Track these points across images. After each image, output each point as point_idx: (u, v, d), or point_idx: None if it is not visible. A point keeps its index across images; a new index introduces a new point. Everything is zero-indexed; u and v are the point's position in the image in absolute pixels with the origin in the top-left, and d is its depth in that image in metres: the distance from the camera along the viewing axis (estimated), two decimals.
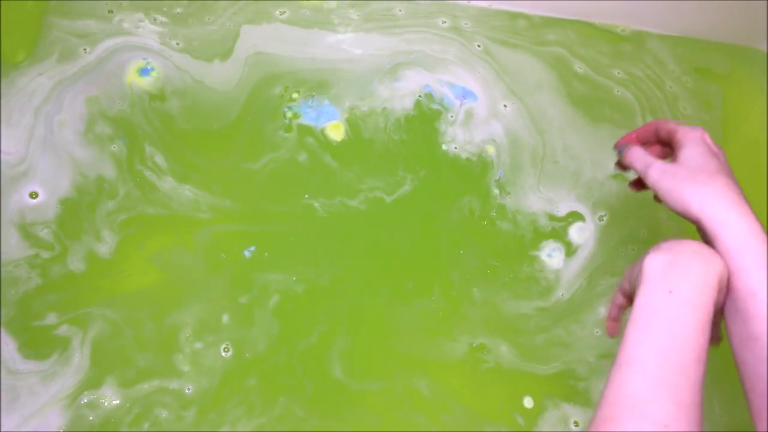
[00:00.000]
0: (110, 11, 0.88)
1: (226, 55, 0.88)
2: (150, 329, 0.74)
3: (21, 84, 0.81)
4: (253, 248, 0.80)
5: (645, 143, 0.68)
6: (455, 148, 0.89)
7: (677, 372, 0.47)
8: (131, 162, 0.81)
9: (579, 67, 0.97)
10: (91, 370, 0.71)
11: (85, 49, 0.85)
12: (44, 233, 0.76)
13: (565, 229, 0.88)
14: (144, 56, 0.86)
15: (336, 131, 0.87)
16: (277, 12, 0.92)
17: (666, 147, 0.67)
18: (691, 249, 0.52)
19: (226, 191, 0.82)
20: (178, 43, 0.87)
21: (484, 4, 0.98)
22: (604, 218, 0.89)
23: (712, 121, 0.97)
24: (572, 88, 0.96)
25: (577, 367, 0.81)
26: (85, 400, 0.70)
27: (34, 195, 0.77)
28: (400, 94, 0.91)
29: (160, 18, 0.88)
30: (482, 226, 0.86)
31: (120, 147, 0.81)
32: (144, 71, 0.85)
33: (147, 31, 0.87)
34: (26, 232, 0.75)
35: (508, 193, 0.87)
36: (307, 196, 0.84)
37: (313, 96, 0.88)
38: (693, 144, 0.59)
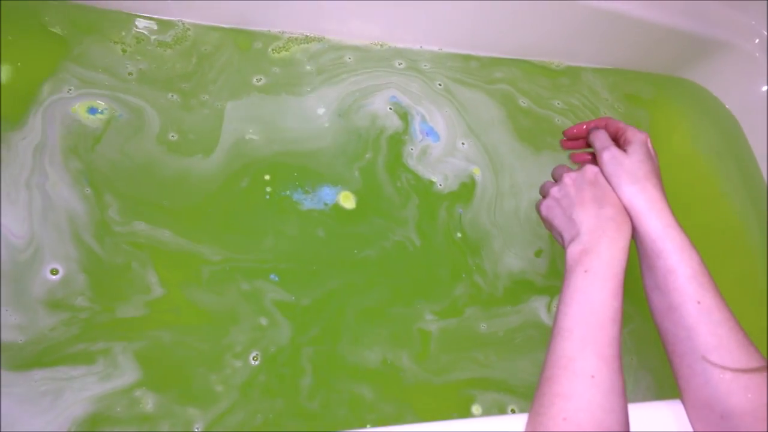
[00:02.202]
0: (130, 74, 0.95)
1: (209, 150, 0.92)
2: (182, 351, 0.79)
3: (13, 152, 0.84)
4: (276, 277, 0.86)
5: (580, 138, 0.79)
6: (440, 185, 0.98)
7: (597, 331, 0.57)
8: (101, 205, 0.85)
9: (523, 102, 1.08)
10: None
11: (69, 90, 0.91)
12: (79, 300, 0.79)
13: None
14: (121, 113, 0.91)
15: (347, 201, 0.94)
16: (255, 80, 0.99)
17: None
18: (598, 235, 0.63)
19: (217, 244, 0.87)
20: (172, 136, 0.92)
21: (435, 48, 1.09)
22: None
23: None
24: (518, 122, 1.05)
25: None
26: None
27: (54, 272, 0.79)
28: (376, 120, 1.00)
29: (174, 96, 0.95)
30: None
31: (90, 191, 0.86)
32: (92, 110, 0.91)
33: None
34: (59, 305, 0.78)
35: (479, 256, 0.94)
36: (356, 251, 0.91)
37: (296, 177, 0.93)
38: (638, 144, 0.69)
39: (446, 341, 0.87)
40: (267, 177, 0.92)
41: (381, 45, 1.07)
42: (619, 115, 1.11)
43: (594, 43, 1.11)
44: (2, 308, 0.76)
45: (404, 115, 1.02)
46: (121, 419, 0.74)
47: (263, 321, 0.83)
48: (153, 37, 0.98)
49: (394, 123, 1.01)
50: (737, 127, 1.17)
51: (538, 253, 0.96)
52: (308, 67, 1.02)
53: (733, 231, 1.08)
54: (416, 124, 1.01)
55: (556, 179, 0.72)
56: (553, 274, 0.95)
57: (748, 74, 1.14)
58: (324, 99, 1.00)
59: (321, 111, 0.99)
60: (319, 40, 1.05)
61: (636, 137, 0.70)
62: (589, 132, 0.75)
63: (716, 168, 1.13)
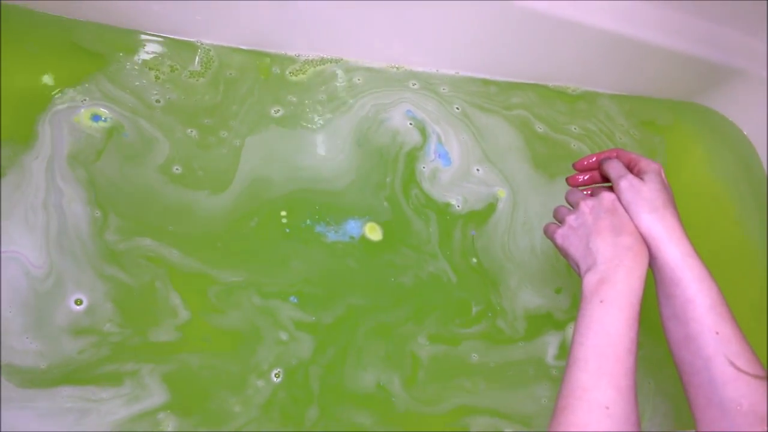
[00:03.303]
0: (158, 101, 0.94)
1: (221, 187, 0.92)
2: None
3: (27, 175, 0.84)
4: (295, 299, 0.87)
5: (591, 170, 0.79)
6: (458, 206, 0.98)
7: (613, 363, 0.57)
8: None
9: (539, 127, 1.07)
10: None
11: (84, 100, 0.91)
12: (108, 327, 0.79)
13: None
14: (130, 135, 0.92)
15: (373, 232, 0.94)
16: (273, 111, 0.99)
17: (603, 179, 0.77)
18: (615, 264, 0.62)
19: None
20: (177, 169, 0.91)
21: (451, 72, 1.10)
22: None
23: None
24: (535, 148, 1.06)
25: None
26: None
27: (79, 302, 0.79)
28: (396, 137, 1.01)
29: (193, 132, 0.94)
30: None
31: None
32: (95, 117, 0.90)
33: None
34: (86, 332, 0.78)
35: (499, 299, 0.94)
36: (392, 278, 0.91)
37: (317, 210, 0.93)
38: (653, 173, 0.69)
39: (437, 368, 0.87)
40: (283, 213, 0.92)
41: (397, 68, 1.08)
42: (635, 141, 1.12)
43: (611, 69, 1.11)
44: (23, 336, 0.76)
45: (423, 130, 1.02)
46: None
47: (284, 337, 0.84)
48: (186, 69, 0.98)
49: (414, 138, 1.02)
50: (753, 153, 1.17)
51: (558, 291, 0.96)
52: (322, 96, 1.02)
53: (748, 257, 1.07)
54: (432, 143, 1.02)
55: (573, 206, 0.72)
56: (574, 309, 0.95)
57: (765, 100, 1.14)
58: (340, 131, 1.00)
59: (338, 145, 0.99)
60: (336, 61, 1.06)
61: (650, 167, 0.70)
62: (601, 162, 0.75)
63: (732, 194, 1.13)
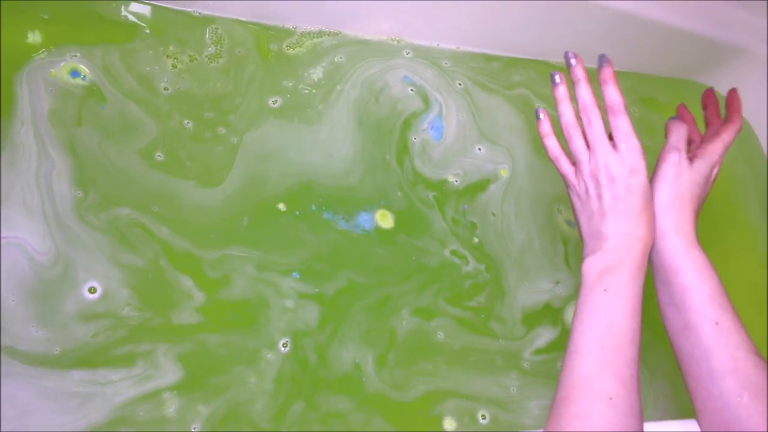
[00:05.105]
0: (165, 89, 0.91)
1: (213, 182, 0.89)
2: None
3: (19, 149, 0.81)
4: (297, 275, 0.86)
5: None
6: (456, 181, 0.98)
7: (615, 353, 0.57)
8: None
9: (539, 106, 1.06)
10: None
11: (75, 56, 0.88)
12: (126, 311, 0.78)
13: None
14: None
15: (384, 220, 0.92)
16: (271, 101, 0.95)
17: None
18: (623, 255, 0.62)
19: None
20: (159, 156, 0.88)
21: (452, 46, 1.08)
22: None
23: (655, 146, 1.04)
24: (535, 130, 1.04)
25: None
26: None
27: (93, 290, 0.78)
28: (396, 105, 1.00)
29: (189, 123, 0.91)
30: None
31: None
32: (74, 73, 0.87)
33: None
34: (97, 316, 0.77)
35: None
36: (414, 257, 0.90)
37: (321, 203, 0.90)
38: (706, 166, 0.67)
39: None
40: (281, 205, 0.90)
41: (398, 41, 1.06)
42: (634, 118, 1.10)
43: (611, 46, 1.09)
44: (28, 324, 0.75)
45: (426, 98, 1.01)
46: (139, 422, 0.74)
47: (289, 304, 0.84)
48: (202, 54, 0.95)
49: (415, 104, 1.01)
50: (752, 134, 1.17)
51: (557, 283, 0.96)
52: (316, 75, 1.00)
53: (746, 240, 1.08)
54: (432, 113, 1.01)
55: (590, 145, 0.66)
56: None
57: (765, 80, 1.13)
58: (339, 115, 0.98)
59: (338, 131, 0.97)
60: (335, 35, 1.03)
61: (710, 158, 0.68)
62: (671, 119, 0.71)
63: (729, 174, 1.12)
